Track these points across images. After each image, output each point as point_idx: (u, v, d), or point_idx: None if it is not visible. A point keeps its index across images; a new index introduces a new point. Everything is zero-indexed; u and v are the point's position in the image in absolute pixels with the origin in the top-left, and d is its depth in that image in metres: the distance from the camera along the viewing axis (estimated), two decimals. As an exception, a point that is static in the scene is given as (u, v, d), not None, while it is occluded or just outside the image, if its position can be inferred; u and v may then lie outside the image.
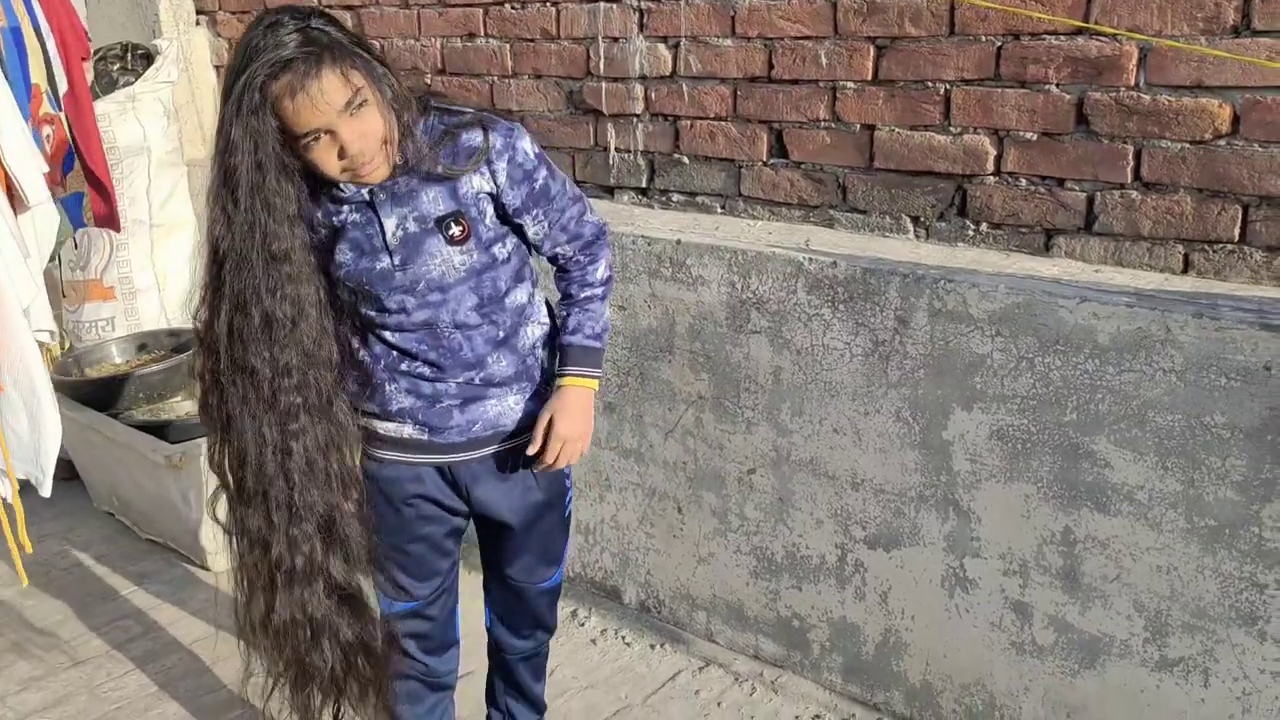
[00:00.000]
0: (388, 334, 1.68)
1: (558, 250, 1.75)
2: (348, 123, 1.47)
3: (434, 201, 1.61)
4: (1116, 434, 1.85)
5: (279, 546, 1.63)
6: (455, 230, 1.61)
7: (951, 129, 2.08)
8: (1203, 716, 1.88)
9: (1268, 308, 1.74)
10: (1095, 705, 2.00)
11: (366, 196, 1.60)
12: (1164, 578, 1.87)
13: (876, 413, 2.13)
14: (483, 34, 2.84)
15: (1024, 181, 2.02)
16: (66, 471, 3.45)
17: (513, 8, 2.74)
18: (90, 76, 3.21)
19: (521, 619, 1.98)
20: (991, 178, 2.06)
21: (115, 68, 3.44)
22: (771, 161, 2.38)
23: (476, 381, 1.71)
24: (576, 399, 1.74)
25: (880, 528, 2.20)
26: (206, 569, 2.97)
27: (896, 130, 2.15)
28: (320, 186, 1.59)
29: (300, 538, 1.63)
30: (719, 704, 2.38)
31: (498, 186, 1.63)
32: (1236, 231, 1.82)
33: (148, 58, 3.46)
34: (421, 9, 2.97)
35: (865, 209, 2.24)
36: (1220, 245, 1.84)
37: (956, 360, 2.01)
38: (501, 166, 1.62)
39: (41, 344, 1.83)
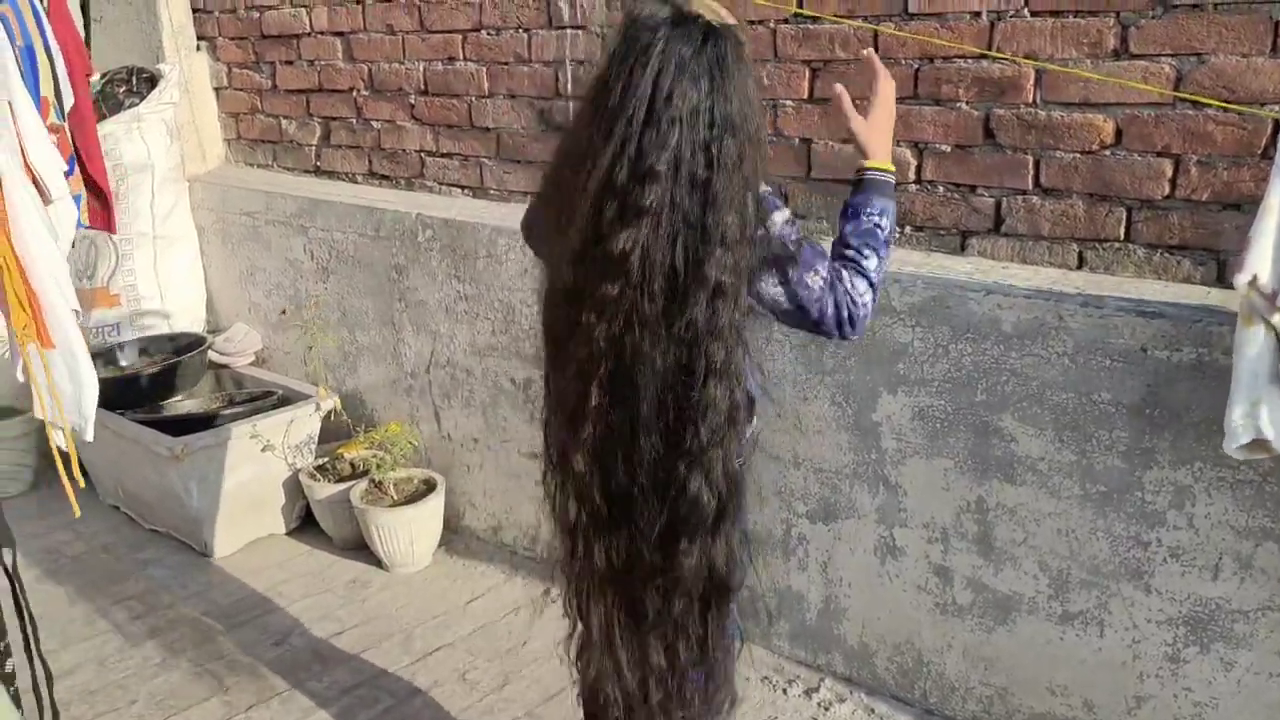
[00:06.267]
0: None
1: None
2: None
3: None
4: (1020, 411, 2.08)
5: None
6: None
7: (878, 142, 2.31)
8: (1100, 663, 2.10)
9: (1146, 297, 1.97)
10: (1008, 658, 2.22)
11: None
12: (1064, 539, 2.09)
13: (815, 398, 2.36)
14: (462, 58, 3.08)
15: (941, 188, 2.26)
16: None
17: (489, 34, 2.98)
18: (94, 93, 3.45)
19: None
20: (914, 185, 2.29)
21: (121, 90, 3.68)
22: (722, 173, 2.61)
23: None
24: None
25: (819, 503, 2.42)
26: (206, 555, 3.18)
27: (830, 144, 2.39)
28: None
29: None
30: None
31: None
32: (1122, 231, 2.06)
33: (152, 81, 3.70)
34: (406, 35, 3.21)
35: (805, 214, 2.47)
36: (1108, 243, 2.08)
37: (883, 349, 2.24)
38: None
39: None
